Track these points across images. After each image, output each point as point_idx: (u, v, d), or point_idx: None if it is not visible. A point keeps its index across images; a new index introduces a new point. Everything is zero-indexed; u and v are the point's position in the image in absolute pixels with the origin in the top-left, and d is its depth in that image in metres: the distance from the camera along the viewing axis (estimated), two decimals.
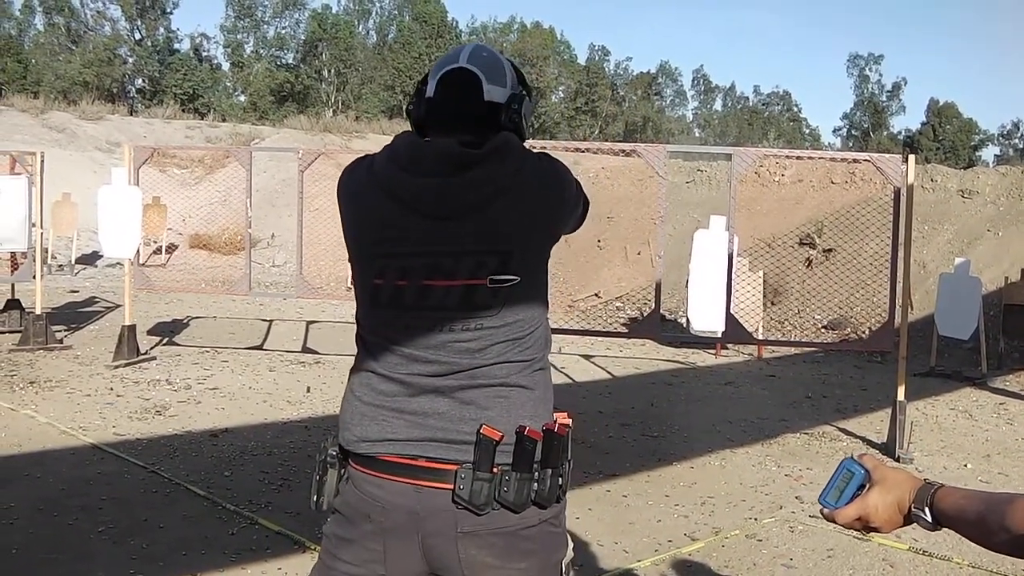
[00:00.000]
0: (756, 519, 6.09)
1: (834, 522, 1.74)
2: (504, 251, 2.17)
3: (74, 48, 54.92)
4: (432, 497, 2.15)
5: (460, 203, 2.17)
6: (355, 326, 2.35)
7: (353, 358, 2.36)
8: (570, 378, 10.71)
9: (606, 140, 52.80)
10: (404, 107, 2.45)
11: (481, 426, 2.15)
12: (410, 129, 2.37)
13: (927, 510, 1.63)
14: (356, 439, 2.24)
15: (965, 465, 7.64)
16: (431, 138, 2.29)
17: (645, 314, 13.89)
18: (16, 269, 11.73)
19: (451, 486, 2.14)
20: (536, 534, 2.21)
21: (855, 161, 15.15)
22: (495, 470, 2.15)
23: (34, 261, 11.05)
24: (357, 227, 2.29)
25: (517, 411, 2.20)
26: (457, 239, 2.16)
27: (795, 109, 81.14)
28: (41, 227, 11.20)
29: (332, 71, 58.59)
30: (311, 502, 2.32)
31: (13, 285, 12.17)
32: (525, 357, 2.24)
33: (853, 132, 74.68)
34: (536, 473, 2.18)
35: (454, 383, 2.19)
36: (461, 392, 2.19)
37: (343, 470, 2.30)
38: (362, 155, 2.38)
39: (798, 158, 18.12)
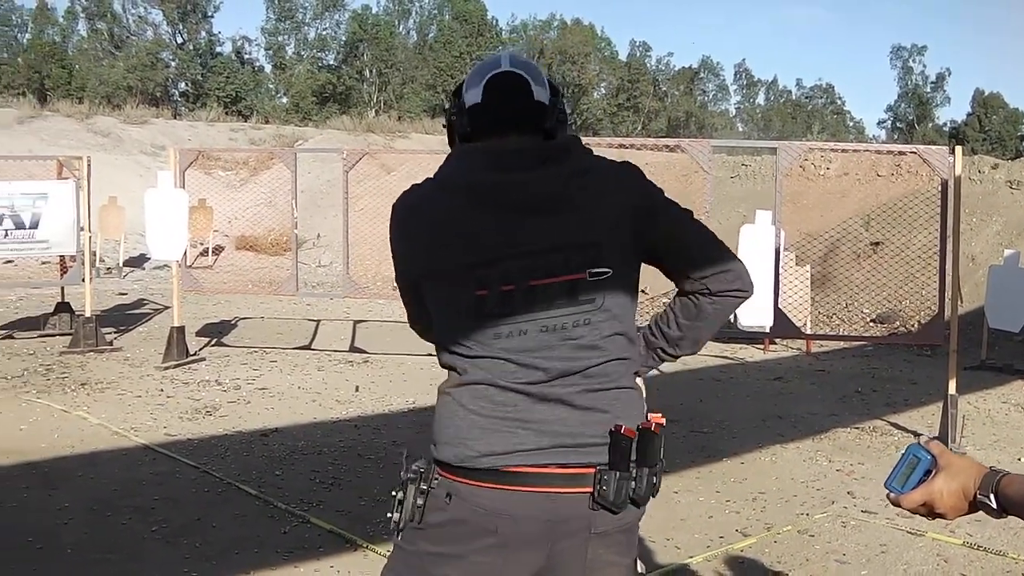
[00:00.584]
0: (808, 514, 6.05)
1: (900, 507, 1.75)
2: (594, 242, 2.18)
3: (117, 53, 55.38)
4: (568, 502, 2.16)
5: (548, 195, 2.19)
6: (438, 355, 2.32)
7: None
8: None
9: (649, 136, 52.54)
10: (444, 119, 2.43)
11: (616, 426, 2.17)
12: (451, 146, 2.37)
13: (992, 496, 1.63)
14: (478, 454, 2.17)
15: (1019, 459, 7.53)
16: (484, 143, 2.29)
17: None
18: (65, 272, 11.86)
19: (589, 489, 2.14)
20: (636, 529, 2.29)
21: (901, 153, 15.00)
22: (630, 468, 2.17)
23: (83, 264, 11.21)
24: (439, 248, 2.23)
25: (630, 411, 2.23)
26: (548, 234, 2.17)
27: (839, 102, 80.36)
28: (89, 231, 11.37)
29: (373, 71, 58.75)
30: (395, 521, 2.20)
31: (63, 288, 12.33)
32: (627, 355, 2.27)
33: (898, 124, 73.91)
34: (658, 466, 2.23)
35: (571, 388, 2.19)
36: (578, 396, 2.19)
37: (426, 486, 2.20)
38: (410, 186, 2.34)
39: (843, 151, 18.02)
